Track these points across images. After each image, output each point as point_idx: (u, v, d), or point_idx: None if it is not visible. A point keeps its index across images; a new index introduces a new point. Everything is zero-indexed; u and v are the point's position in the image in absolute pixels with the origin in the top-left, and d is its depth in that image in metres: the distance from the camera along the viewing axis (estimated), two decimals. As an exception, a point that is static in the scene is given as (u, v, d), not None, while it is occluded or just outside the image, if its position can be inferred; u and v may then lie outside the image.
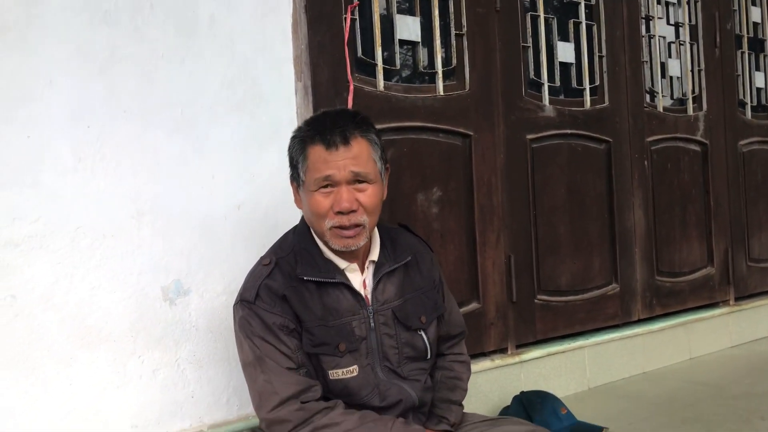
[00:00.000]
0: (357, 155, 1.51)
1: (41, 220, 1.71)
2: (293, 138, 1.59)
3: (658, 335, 3.21)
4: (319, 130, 1.51)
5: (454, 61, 2.59)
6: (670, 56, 3.44)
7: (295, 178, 1.59)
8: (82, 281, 1.77)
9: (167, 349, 1.89)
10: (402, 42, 2.48)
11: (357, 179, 1.51)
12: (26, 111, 1.69)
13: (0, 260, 1.65)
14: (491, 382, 2.59)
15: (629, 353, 3.08)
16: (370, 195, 1.53)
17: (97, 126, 1.79)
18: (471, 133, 2.60)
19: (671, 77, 3.44)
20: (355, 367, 1.55)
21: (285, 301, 1.52)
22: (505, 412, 2.47)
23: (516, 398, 2.47)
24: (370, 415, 1.51)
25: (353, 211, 1.50)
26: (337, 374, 1.54)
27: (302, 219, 1.65)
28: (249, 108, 2.04)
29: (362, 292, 1.59)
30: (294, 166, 1.58)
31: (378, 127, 2.31)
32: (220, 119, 1.98)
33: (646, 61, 3.29)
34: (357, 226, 1.51)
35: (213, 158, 1.97)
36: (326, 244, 1.56)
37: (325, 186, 1.51)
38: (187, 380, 1.92)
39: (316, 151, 1.51)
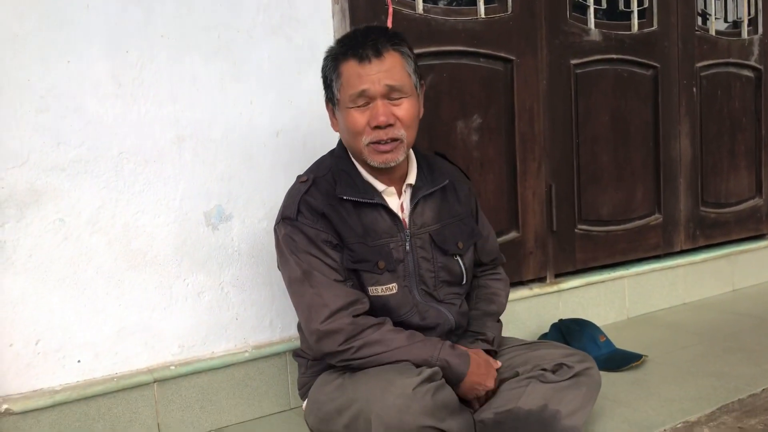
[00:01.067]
0: (390, 68, 1.49)
1: (85, 144, 1.73)
2: (326, 57, 1.57)
3: (700, 266, 3.16)
4: (351, 45, 1.50)
5: (496, -18, 2.50)
6: (725, -25, 3.26)
7: (330, 99, 1.57)
8: (127, 206, 1.80)
9: (211, 273, 1.93)
10: (442, -38, 2.39)
11: (392, 92, 1.49)
12: (64, 36, 1.69)
13: (47, 184, 1.69)
14: (529, 310, 2.60)
15: (670, 284, 3.05)
16: (407, 108, 1.52)
17: (136, 51, 1.79)
18: (513, 58, 2.52)
19: (726, -2, 3.26)
20: (395, 285, 1.56)
21: (325, 218, 1.53)
22: (543, 338, 2.48)
23: (554, 325, 2.48)
24: (417, 335, 1.52)
25: (390, 125, 1.49)
26: (376, 291, 1.56)
27: (339, 142, 1.65)
28: (286, 31, 2.01)
29: (400, 214, 1.59)
30: (328, 85, 1.56)
31: (416, 51, 2.27)
32: (257, 43, 1.96)
33: (700, -19, 3.12)
34: (394, 140, 1.50)
35: (251, 83, 1.96)
36: (364, 162, 1.56)
37: (361, 101, 1.49)
38: (231, 303, 1.97)
39: (350, 67, 1.49)
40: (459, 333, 1.66)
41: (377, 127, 1.49)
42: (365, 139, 1.51)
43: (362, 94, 1.48)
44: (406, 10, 2.28)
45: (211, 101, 1.90)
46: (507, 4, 2.51)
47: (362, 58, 1.48)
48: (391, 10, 2.20)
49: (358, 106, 1.50)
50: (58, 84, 1.69)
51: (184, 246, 1.89)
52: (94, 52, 1.73)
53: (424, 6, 2.33)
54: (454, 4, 2.46)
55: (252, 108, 1.97)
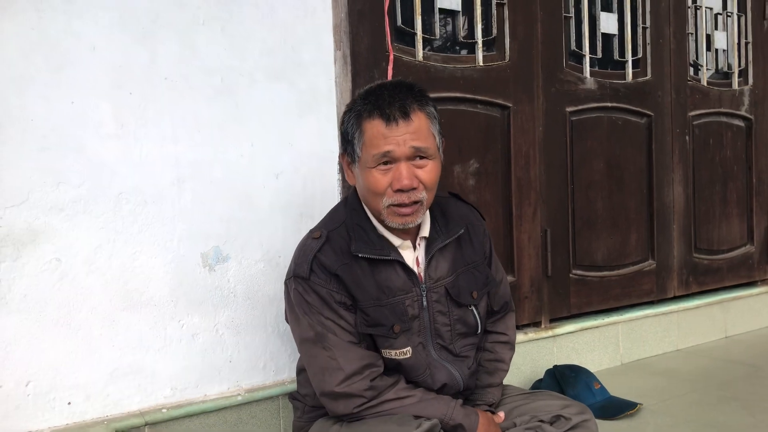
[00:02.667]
0: (417, 130, 1.44)
1: (85, 184, 1.73)
2: (347, 112, 1.52)
3: (693, 313, 3.17)
4: (377, 104, 1.44)
5: (494, 31, 2.55)
6: (716, 28, 3.34)
7: (350, 154, 1.52)
8: (125, 246, 1.79)
9: (206, 314, 1.92)
10: (442, 11, 2.44)
11: (417, 154, 1.45)
12: (69, 76, 1.71)
13: (45, 223, 1.68)
14: (524, 356, 2.59)
15: (663, 330, 3.05)
16: (430, 171, 1.47)
17: (139, 92, 1.80)
18: (510, 105, 2.56)
19: (717, 50, 3.34)
20: (409, 348, 1.53)
21: (339, 279, 1.49)
22: (538, 385, 2.47)
23: (549, 372, 2.47)
24: (429, 393, 1.52)
25: (413, 189, 1.45)
26: (390, 354, 1.52)
27: (353, 192, 1.60)
28: (288, 76, 2.03)
29: (415, 269, 1.55)
30: (349, 141, 1.50)
31: None
32: (259, 86, 1.98)
33: (691, 33, 3.20)
34: (416, 203, 1.46)
35: (252, 126, 1.97)
36: (382, 221, 1.51)
37: (384, 162, 1.45)
38: (225, 345, 1.95)
39: (374, 126, 1.44)
40: (466, 395, 1.65)
41: (400, 190, 1.45)
42: (386, 201, 1.46)
43: (386, 155, 1.43)
44: (406, 57, 2.32)
45: (212, 142, 1.91)
46: (505, 53, 2.56)
47: (389, 119, 1.42)
48: (392, 57, 2.23)
49: (381, 166, 1.45)
50: (61, 124, 1.70)
51: (180, 287, 1.88)
52: (98, 92, 1.75)
53: (424, 53, 2.36)
54: (453, 51, 2.50)
55: (253, 150, 1.98)
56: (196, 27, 1.88)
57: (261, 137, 1.99)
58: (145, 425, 1.80)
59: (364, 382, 1.46)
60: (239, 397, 1.95)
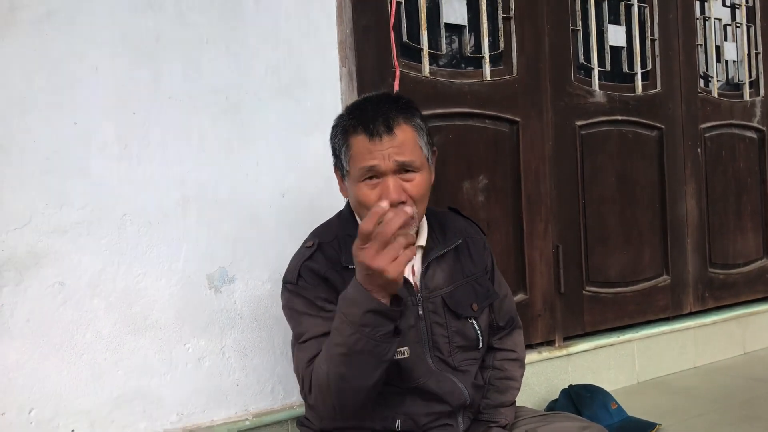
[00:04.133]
0: (402, 143, 1.42)
1: (88, 207, 1.71)
2: (334, 127, 1.52)
3: (710, 329, 3.10)
4: (361, 119, 1.44)
5: (502, 45, 2.52)
6: (725, 39, 3.30)
7: (339, 168, 1.53)
8: (129, 268, 1.76)
9: (213, 337, 1.88)
10: (448, 26, 2.42)
11: (403, 168, 1.43)
12: (72, 97, 1.69)
13: (48, 247, 1.65)
14: (538, 375, 2.53)
15: (680, 347, 2.98)
16: (418, 184, 1.45)
17: (143, 112, 1.78)
18: (518, 120, 2.53)
19: (727, 61, 3.30)
20: (406, 348, 1.48)
21: (327, 282, 1.47)
22: (553, 405, 2.40)
23: (564, 392, 2.40)
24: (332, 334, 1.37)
25: (402, 203, 1.42)
26: None
27: (347, 204, 1.60)
28: (293, 93, 2.01)
29: (411, 278, 1.53)
30: (337, 156, 1.51)
31: (423, 113, 2.26)
32: (264, 105, 1.96)
33: (701, 45, 3.16)
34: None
35: (257, 144, 1.95)
36: None
37: (371, 177, 1.44)
38: (232, 368, 1.91)
39: (359, 141, 1.43)
40: (472, 411, 1.59)
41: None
42: None
43: (371, 169, 1.43)
44: (413, 73, 2.29)
45: (217, 162, 1.89)
46: (512, 67, 2.53)
47: (373, 134, 1.40)
48: (398, 72, 2.21)
49: (368, 180, 1.44)
50: (64, 145, 1.68)
51: (185, 309, 1.84)
52: (102, 113, 1.72)
53: (430, 68, 2.34)
54: (460, 67, 2.48)
55: (258, 169, 1.95)
56: (201, 46, 1.87)
57: (267, 156, 1.96)
58: (151, 452, 1.76)
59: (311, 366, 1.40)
60: (247, 422, 1.90)
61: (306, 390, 1.43)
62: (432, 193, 2.28)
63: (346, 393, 1.35)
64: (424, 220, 1.60)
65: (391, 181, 1.43)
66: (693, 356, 3.03)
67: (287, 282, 1.52)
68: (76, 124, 1.69)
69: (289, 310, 1.51)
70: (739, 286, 3.29)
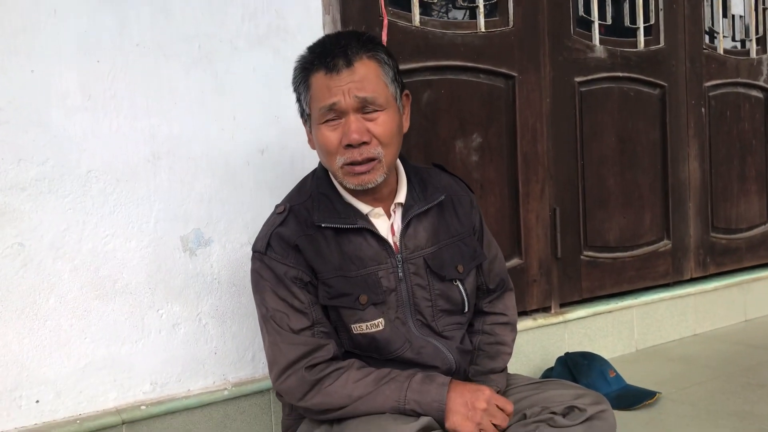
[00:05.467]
0: (363, 78, 1.32)
1: (49, 162, 1.58)
2: (295, 68, 1.41)
3: (711, 295, 3.00)
4: (319, 54, 1.34)
5: (497, -6, 2.37)
6: (732, -7, 3.15)
7: (302, 114, 1.42)
8: (95, 229, 1.64)
9: (188, 303, 1.77)
10: (440, -27, 2.27)
11: (366, 106, 1.32)
12: (28, 42, 1.55)
13: (5, 205, 1.53)
14: (533, 343, 2.43)
15: (680, 314, 2.89)
16: (383, 122, 1.34)
17: (108, 61, 1.65)
18: (514, 74, 2.39)
19: (733, 16, 3.15)
20: (381, 320, 1.39)
21: (298, 251, 1.37)
22: (549, 373, 2.31)
23: (560, 359, 2.31)
24: (385, 375, 1.35)
25: (365, 143, 1.32)
26: (360, 328, 1.39)
27: (321, 162, 1.49)
28: (273, 43, 1.87)
29: (390, 238, 1.43)
30: (299, 99, 1.41)
31: (413, 66, 2.17)
32: (240, 55, 1.82)
33: (706, -1, 3.02)
34: (371, 160, 1.34)
35: (234, 97, 1.82)
36: (342, 184, 1.40)
37: (331, 117, 1.33)
38: (209, 336, 1.81)
39: (318, 79, 1.33)
40: (461, 377, 1.49)
41: (349, 146, 1.33)
42: (339, 160, 1.34)
43: (332, 107, 1.32)
44: (402, 23, 2.15)
45: (190, 116, 1.76)
46: (508, 18, 2.39)
47: (330, 69, 1.30)
48: (386, 22, 2.07)
49: (329, 121, 1.34)
50: (20, 95, 1.54)
51: (158, 273, 1.73)
52: (62, 60, 1.59)
53: (421, 18, 2.20)
54: (453, 17, 2.33)
55: (235, 124, 1.82)
56: (171, -11, 1.72)
57: (244, 110, 1.83)
58: (122, 424, 1.66)
59: (297, 374, 1.34)
60: (226, 392, 1.80)
61: (299, 392, 1.34)
62: (422, 151, 2.20)
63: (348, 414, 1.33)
64: (404, 175, 1.48)
65: (353, 120, 1.32)
66: (693, 323, 2.94)
67: (256, 250, 1.42)
68: (33, 72, 1.56)
69: (256, 278, 1.41)
70: (742, 252, 3.19)
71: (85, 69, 1.62)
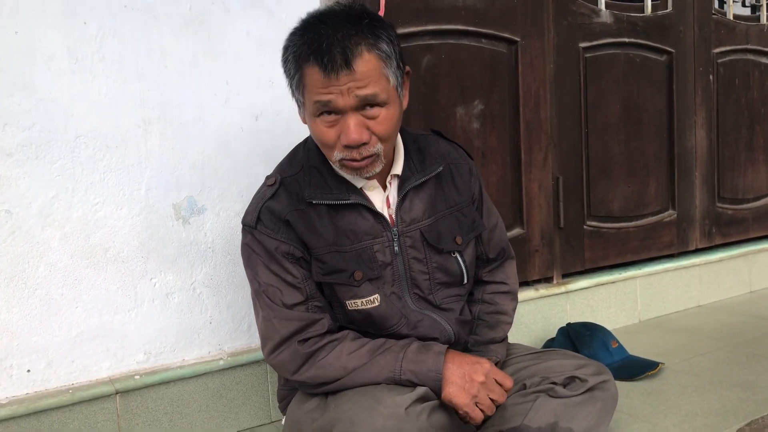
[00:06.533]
0: (363, 76, 1.21)
1: (36, 127, 1.54)
2: (285, 48, 1.28)
3: (716, 266, 2.96)
4: (314, 48, 1.20)
5: (500, -44, 2.30)
6: (743, -44, 3.06)
7: (294, 95, 1.32)
8: (85, 196, 1.61)
9: (181, 272, 1.74)
10: (440, -67, 2.19)
11: (366, 103, 1.23)
12: (11, 2, 1.49)
13: (-9, 170, 1.49)
14: (535, 313, 2.40)
15: (685, 285, 2.85)
16: (384, 120, 1.26)
17: (95, 22, 1.59)
18: (517, 39, 2.32)
19: (744, -19, 3.07)
20: (376, 296, 1.35)
21: (289, 226, 1.33)
22: (550, 344, 2.28)
23: (562, 330, 2.28)
24: (380, 346, 1.32)
25: (364, 144, 1.25)
26: (355, 304, 1.35)
27: None
28: (267, 4, 1.81)
29: (385, 211, 1.38)
30: (290, 84, 1.30)
31: (412, 30, 2.10)
32: (235, 16, 1.76)
33: (716, -38, 2.93)
34: (370, 156, 1.27)
35: (227, 61, 1.76)
36: (337, 169, 1.35)
37: (328, 112, 1.24)
38: (204, 305, 1.78)
39: (314, 74, 1.21)
40: (461, 347, 1.45)
41: (348, 146, 1.25)
42: (337, 155, 1.27)
43: (327, 105, 1.22)
44: (400, -16, 2.08)
45: (181, 80, 1.71)
46: (511, -19, 2.32)
47: (327, 69, 1.18)
48: (384, -17, 2.00)
49: (325, 116, 1.25)
50: (4, 57, 1.50)
51: (150, 241, 1.69)
52: (47, 21, 1.54)
53: (420, -20, 2.13)
54: (453, -21, 2.26)
55: (228, 88, 1.77)
56: (159, -52, 1.66)
57: (237, 74, 1.78)
58: (116, 393, 1.63)
59: (290, 348, 1.31)
60: (221, 362, 1.78)
61: (292, 366, 1.32)
62: (422, 118, 2.14)
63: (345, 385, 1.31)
64: (401, 144, 1.43)
65: (352, 120, 1.23)
66: (698, 294, 2.90)
67: (246, 224, 1.37)
68: (17, 33, 1.51)
69: (247, 252, 1.37)
70: (748, 222, 3.14)
71: (72, 30, 1.57)
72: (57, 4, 1.55)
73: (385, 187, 1.40)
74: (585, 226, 2.58)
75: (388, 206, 1.39)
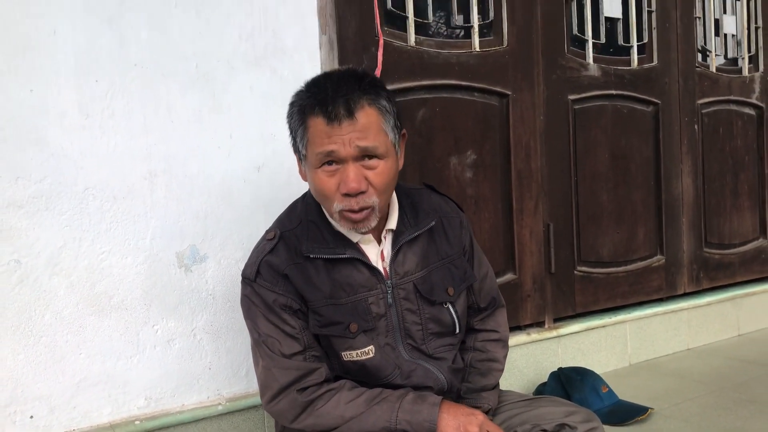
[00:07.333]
0: (364, 128, 1.29)
1: (47, 180, 1.60)
2: (291, 104, 1.38)
3: (704, 310, 3.02)
4: (320, 99, 1.29)
5: (492, 14, 2.40)
6: (725, 12, 3.19)
7: (296, 151, 1.40)
8: (92, 245, 1.66)
9: (183, 318, 1.79)
10: (435, -7, 2.31)
11: (365, 154, 1.30)
12: (28, 62, 1.58)
13: (2, 222, 1.55)
14: (527, 357, 2.45)
15: (673, 329, 2.91)
16: (382, 172, 1.32)
17: (106, 80, 1.67)
18: (508, 93, 2.42)
19: (725, 35, 3.19)
20: (371, 348, 1.40)
21: (287, 279, 1.38)
22: (542, 388, 2.33)
23: (553, 374, 2.33)
24: (377, 395, 1.37)
25: (362, 193, 1.31)
26: (351, 355, 1.40)
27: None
28: (270, 62, 1.90)
29: (379, 264, 1.43)
30: (293, 137, 1.39)
31: (408, 84, 2.20)
32: (238, 74, 1.85)
33: (699, 18, 3.05)
34: (366, 208, 1.33)
35: (231, 115, 1.84)
36: (336, 222, 1.40)
37: (329, 162, 1.31)
38: (204, 351, 1.82)
39: (317, 124, 1.29)
40: (452, 396, 1.50)
41: (347, 195, 1.31)
42: (336, 206, 1.33)
43: (330, 154, 1.29)
44: (397, 42, 2.18)
45: (187, 134, 1.78)
46: (503, 38, 2.42)
47: (331, 118, 1.26)
48: (381, 42, 2.10)
49: (326, 166, 1.31)
50: (19, 114, 1.57)
51: (153, 289, 1.75)
52: (61, 80, 1.62)
53: (416, 38, 2.23)
54: (448, 36, 2.36)
55: (232, 142, 1.85)
56: (169, 9, 1.75)
57: (241, 128, 1.86)
58: (117, 439, 1.67)
59: (289, 397, 1.36)
60: (220, 407, 1.82)
61: (291, 415, 1.37)
62: (417, 168, 2.22)
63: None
64: (395, 200, 1.49)
65: (352, 169, 1.30)
66: (687, 338, 2.96)
67: (246, 277, 1.42)
68: (32, 91, 1.59)
69: (247, 304, 1.42)
70: (735, 267, 3.21)
71: (84, 88, 1.65)
72: (71, 64, 1.63)
73: (379, 241, 1.45)
74: (575, 272, 2.64)
75: (383, 259, 1.44)
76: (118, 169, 1.69)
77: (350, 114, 1.28)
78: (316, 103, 1.29)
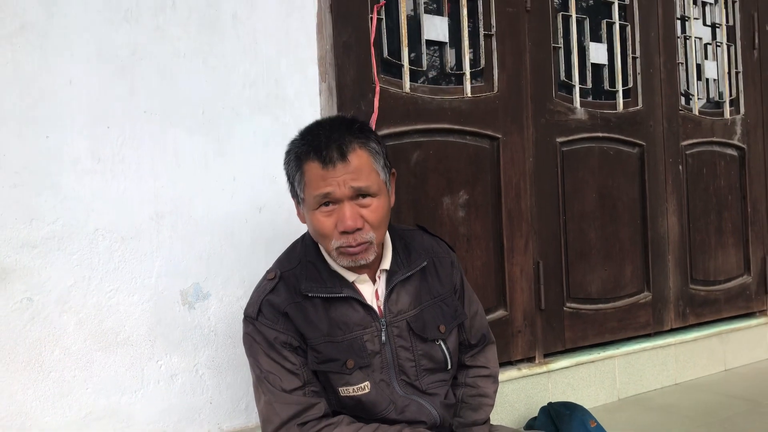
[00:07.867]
0: (357, 169, 1.39)
1: (59, 221, 1.68)
2: (287, 153, 1.49)
3: (691, 345, 3.10)
4: (314, 146, 1.40)
5: (483, 62, 2.53)
6: (706, 58, 3.33)
7: (294, 195, 1.50)
8: (100, 284, 1.74)
9: (186, 354, 1.86)
10: (429, 42, 2.42)
11: (359, 194, 1.41)
12: (45, 111, 1.67)
13: (17, 262, 1.63)
14: (518, 392, 2.51)
15: (661, 364, 2.98)
16: (375, 209, 1.43)
17: (117, 126, 1.77)
18: (499, 136, 2.53)
19: (707, 79, 3.32)
20: (367, 383, 1.47)
21: (287, 318, 1.46)
22: (532, 423, 2.39)
23: (543, 409, 2.39)
24: (374, 431, 1.44)
25: (358, 229, 1.41)
26: (347, 391, 1.47)
27: None
28: (272, 109, 2.00)
29: (374, 303, 1.51)
30: (291, 183, 1.49)
31: (403, 129, 2.30)
32: (242, 120, 1.95)
33: (682, 63, 3.18)
34: (364, 243, 1.42)
35: (235, 160, 1.93)
36: (334, 259, 1.49)
37: (326, 203, 1.41)
38: (205, 386, 1.88)
39: (312, 168, 1.40)
40: (445, 430, 1.57)
41: (345, 232, 1.41)
42: (334, 243, 1.43)
43: (326, 196, 1.40)
44: (393, 89, 2.29)
45: (193, 177, 1.87)
46: (493, 84, 2.53)
47: (326, 162, 1.37)
48: (378, 89, 2.20)
49: (323, 207, 1.42)
50: (35, 159, 1.66)
51: (158, 326, 1.82)
52: (74, 127, 1.71)
53: (411, 85, 2.34)
54: (441, 83, 2.48)
55: (235, 184, 1.93)
56: (177, 59, 1.85)
57: (244, 171, 1.95)
58: (120, 472, 1.72)
59: (290, 430, 1.42)
60: (220, 441, 1.88)
61: None
62: (411, 208, 2.31)
63: None
64: (389, 241, 1.58)
65: (347, 208, 1.40)
66: (674, 373, 3.03)
67: (248, 316, 1.50)
68: (48, 138, 1.67)
69: (249, 342, 1.49)
70: (720, 303, 3.30)
71: (96, 134, 1.74)
72: (84, 112, 1.72)
73: (374, 281, 1.53)
74: (565, 308, 2.72)
75: (377, 298, 1.52)
76: (126, 211, 1.77)
77: (343, 157, 1.38)
78: (311, 150, 1.40)
